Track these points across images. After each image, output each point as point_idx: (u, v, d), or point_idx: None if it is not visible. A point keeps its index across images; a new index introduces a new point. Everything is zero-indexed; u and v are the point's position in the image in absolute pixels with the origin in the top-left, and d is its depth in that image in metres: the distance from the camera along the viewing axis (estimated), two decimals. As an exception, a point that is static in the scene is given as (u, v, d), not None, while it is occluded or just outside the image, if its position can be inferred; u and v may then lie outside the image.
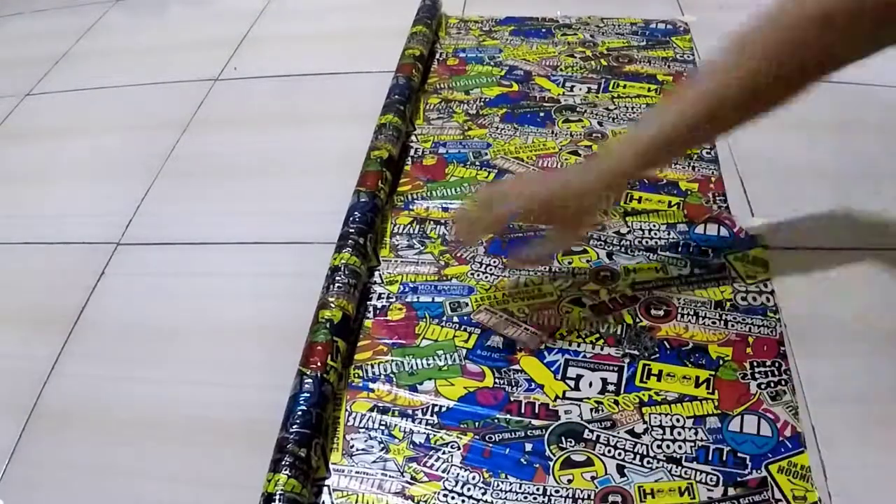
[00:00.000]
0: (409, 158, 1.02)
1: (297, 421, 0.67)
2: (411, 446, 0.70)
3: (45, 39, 1.45)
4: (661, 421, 0.70)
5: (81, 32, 1.46)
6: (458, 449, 0.69)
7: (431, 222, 0.92)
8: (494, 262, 0.86)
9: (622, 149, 0.70)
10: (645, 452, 0.67)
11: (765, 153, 0.97)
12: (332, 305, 0.77)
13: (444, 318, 0.81)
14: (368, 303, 0.83)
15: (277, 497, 0.62)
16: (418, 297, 0.83)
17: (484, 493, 0.66)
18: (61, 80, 1.32)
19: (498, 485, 0.66)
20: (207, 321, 0.85)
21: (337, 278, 0.80)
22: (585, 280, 0.83)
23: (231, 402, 0.76)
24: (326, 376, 0.71)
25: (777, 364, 0.73)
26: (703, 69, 0.65)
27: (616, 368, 0.74)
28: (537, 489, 0.66)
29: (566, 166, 0.97)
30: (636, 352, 0.75)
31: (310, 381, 0.70)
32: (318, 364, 0.72)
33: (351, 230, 0.86)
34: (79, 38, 1.44)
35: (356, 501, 0.66)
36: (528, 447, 0.69)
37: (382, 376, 0.76)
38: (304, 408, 0.68)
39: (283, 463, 0.64)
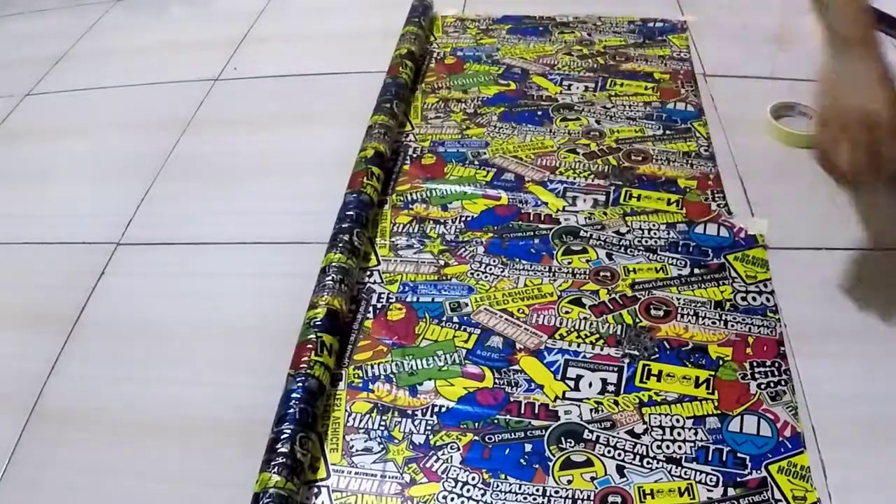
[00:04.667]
0: (408, 158, 1.02)
1: (284, 420, 0.68)
2: (411, 447, 0.70)
3: (45, 39, 1.45)
4: (660, 421, 0.70)
5: (81, 32, 1.46)
6: (458, 450, 0.69)
7: (431, 221, 0.92)
8: (494, 261, 0.86)
9: None
10: (645, 453, 0.67)
11: (765, 153, 0.97)
12: (319, 305, 0.77)
13: (444, 318, 0.81)
14: (368, 303, 0.83)
15: (263, 496, 0.62)
16: (418, 297, 0.83)
17: (483, 494, 0.66)
18: (61, 80, 1.31)
19: (497, 485, 0.66)
20: (207, 321, 0.85)
21: (324, 279, 0.80)
22: (585, 280, 0.83)
23: (229, 402, 0.76)
24: (311, 371, 0.71)
25: (777, 364, 0.73)
26: None
27: (616, 369, 0.74)
28: (537, 490, 0.66)
29: None
30: (636, 352, 0.75)
31: (296, 382, 0.71)
32: (304, 363, 0.72)
33: (340, 228, 0.86)
34: (79, 38, 1.44)
35: (356, 502, 0.66)
36: (528, 448, 0.69)
37: (382, 377, 0.76)
38: (289, 407, 0.69)
39: (269, 462, 0.65)
